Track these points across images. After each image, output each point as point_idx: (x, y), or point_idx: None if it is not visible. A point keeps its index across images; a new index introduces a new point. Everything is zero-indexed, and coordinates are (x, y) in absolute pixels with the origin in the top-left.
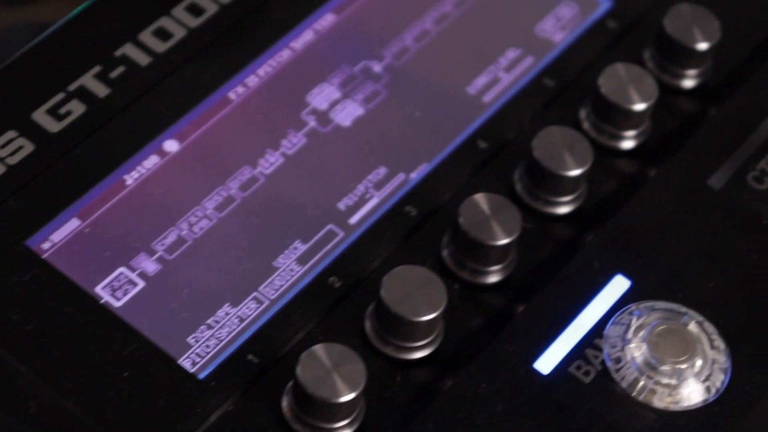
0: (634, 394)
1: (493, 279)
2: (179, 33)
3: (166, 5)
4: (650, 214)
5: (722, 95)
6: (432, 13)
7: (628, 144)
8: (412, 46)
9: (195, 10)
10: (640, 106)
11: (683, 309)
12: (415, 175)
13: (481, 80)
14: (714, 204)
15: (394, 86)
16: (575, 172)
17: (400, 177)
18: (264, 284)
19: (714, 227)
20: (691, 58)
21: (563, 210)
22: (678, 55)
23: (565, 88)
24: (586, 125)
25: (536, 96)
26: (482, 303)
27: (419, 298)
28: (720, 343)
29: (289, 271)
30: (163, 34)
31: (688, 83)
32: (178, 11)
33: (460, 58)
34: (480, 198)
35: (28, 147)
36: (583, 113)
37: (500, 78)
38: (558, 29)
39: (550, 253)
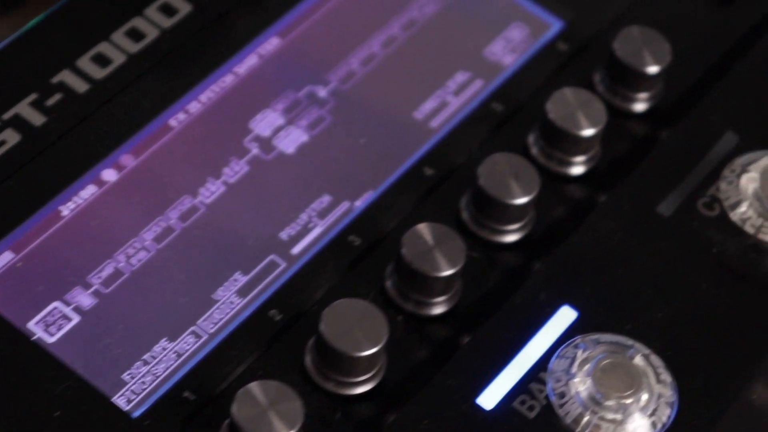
0: (578, 430)
1: (437, 310)
2: (118, 59)
3: (105, 30)
4: (599, 242)
5: (674, 118)
6: (379, 36)
7: (577, 170)
8: (359, 70)
9: (135, 35)
10: (588, 132)
11: (629, 341)
12: (360, 203)
13: (429, 105)
14: (663, 231)
15: (340, 112)
16: (521, 201)
17: (345, 205)
18: (203, 318)
19: (663, 255)
20: (641, 81)
21: (510, 238)
22: (628, 79)
23: (513, 113)
24: (534, 151)
25: (485, 121)
26: (426, 335)
27: (360, 333)
28: (666, 376)
29: (229, 304)
30: (101, 60)
31: (639, 107)
32: (118, 36)
33: (407, 82)
34: (423, 228)
35: None
36: (531, 138)
37: (448, 102)
38: (508, 52)
39: (497, 282)
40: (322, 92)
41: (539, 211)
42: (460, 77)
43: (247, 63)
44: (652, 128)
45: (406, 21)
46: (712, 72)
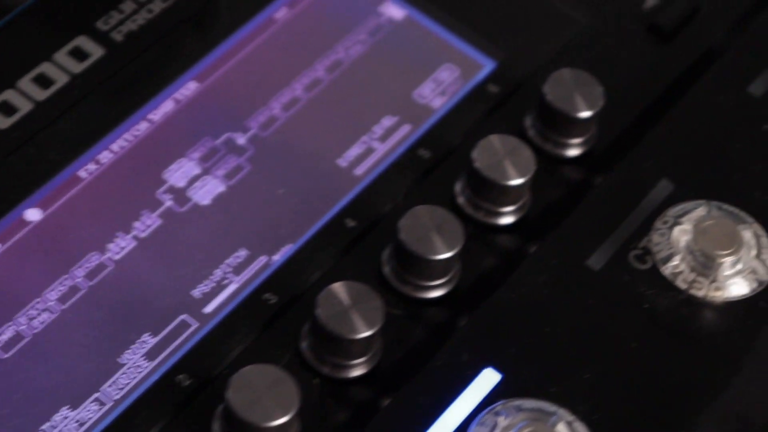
0: None
1: (355, 373)
2: (25, 107)
3: (11, 77)
4: (525, 298)
5: (608, 163)
6: (302, 79)
7: (506, 219)
8: (280, 116)
9: (43, 82)
10: (516, 181)
11: (553, 408)
12: (278, 258)
13: (354, 151)
14: (593, 286)
15: (259, 160)
16: (443, 256)
17: (262, 260)
18: (107, 383)
19: (592, 312)
20: (573, 126)
21: (434, 294)
22: (559, 124)
23: (441, 160)
24: (461, 200)
25: (411, 168)
26: (344, 399)
27: (269, 401)
28: None
29: (136, 368)
30: (6, 109)
31: (572, 152)
32: (24, 83)
33: (331, 127)
34: (339, 288)
35: None
36: (458, 187)
37: (374, 149)
38: (437, 94)
39: (419, 341)
40: (241, 139)
41: (465, 263)
42: (387, 122)
43: (162, 109)
44: (586, 174)
45: (331, 63)
46: (649, 114)
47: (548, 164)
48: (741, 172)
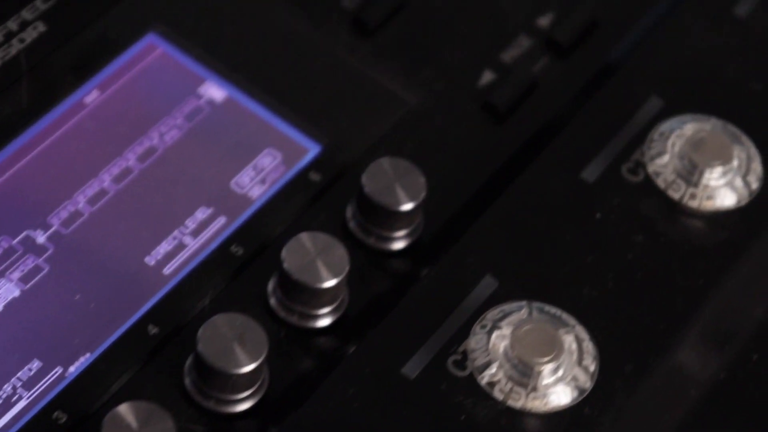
0: None
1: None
2: None
3: None
4: (335, 411)
5: (436, 254)
6: (111, 169)
7: (322, 322)
8: (85, 210)
9: None
10: (328, 283)
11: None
12: (74, 370)
13: (164, 248)
14: (408, 395)
15: (60, 260)
16: (247, 368)
17: (56, 372)
18: None
19: (408, 424)
20: (395, 219)
21: (240, 408)
22: (379, 217)
23: (253, 257)
24: (273, 301)
25: (223, 267)
26: None
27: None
28: None
29: None
30: None
31: (396, 245)
32: None
33: (141, 221)
34: (125, 409)
35: None
36: (270, 287)
37: (186, 244)
38: (257, 183)
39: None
40: (40, 238)
41: (273, 374)
42: (201, 214)
43: None
44: (412, 266)
45: (143, 150)
46: (481, 198)
47: (370, 258)
48: (570, 266)
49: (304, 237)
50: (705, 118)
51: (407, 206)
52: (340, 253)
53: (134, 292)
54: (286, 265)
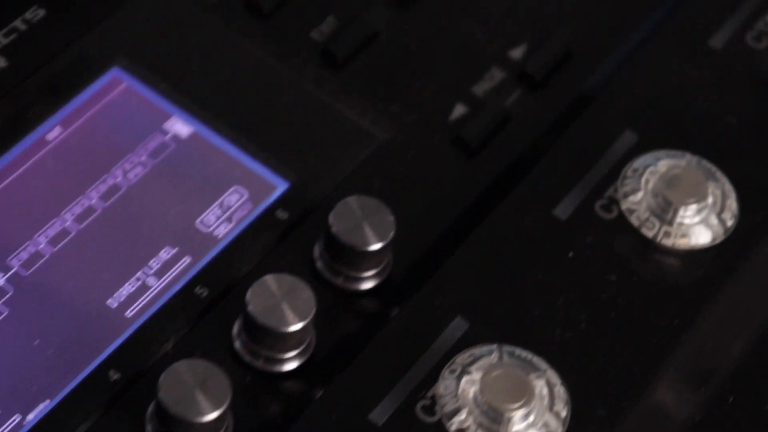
0: None
1: None
2: None
3: None
4: None
5: (403, 295)
6: (74, 208)
7: (288, 366)
8: (46, 251)
9: None
10: (294, 327)
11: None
12: (33, 417)
13: (127, 289)
14: None
15: (19, 303)
16: (210, 417)
17: (15, 419)
18: None
19: None
20: (363, 259)
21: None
22: (347, 257)
23: (218, 299)
24: (238, 345)
25: (187, 309)
26: None
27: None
28: None
29: None
30: None
31: (365, 285)
32: None
33: (103, 262)
34: None
35: None
36: (235, 330)
37: (149, 286)
38: (223, 221)
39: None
40: (0, 281)
41: (237, 421)
42: (166, 254)
43: None
44: (380, 307)
45: (107, 189)
46: (453, 234)
47: (338, 299)
48: (542, 307)
49: (269, 279)
50: (679, 154)
51: (375, 246)
52: (306, 295)
53: (96, 336)
54: (250, 309)
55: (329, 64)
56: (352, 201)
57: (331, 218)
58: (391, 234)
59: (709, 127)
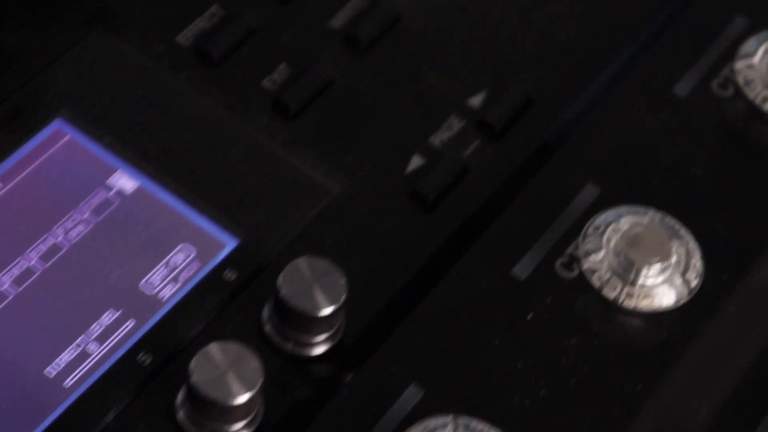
0: None
1: None
2: None
3: None
4: None
5: (356, 360)
6: (12, 270)
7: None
8: None
9: None
10: (240, 399)
11: None
12: None
13: (66, 357)
14: None
15: None
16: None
17: None
18: None
19: None
20: (313, 324)
21: None
22: (298, 322)
23: (162, 366)
24: (181, 416)
25: (129, 378)
26: None
27: None
28: None
29: None
30: None
31: (316, 350)
32: None
33: (42, 327)
34: None
35: None
36: (179, 400)
37: (90, 353)
38: (169, 282)
39: None
40: None
41: None
42: (108, 318)
43: None
44: (332, 373)
45: (47, 249)
46: (404, 299)
47: (288, 366)
48: (500, 372)
49: (214, 348)
50: (642, 210)
51: (326, 310)
52: (252, 365)
53: (32, 408)
54: (194, 379)
55: (281, 114)
56: (302, 263)
57: (280, 281)
58: (343, 297)
59: (673, 180)
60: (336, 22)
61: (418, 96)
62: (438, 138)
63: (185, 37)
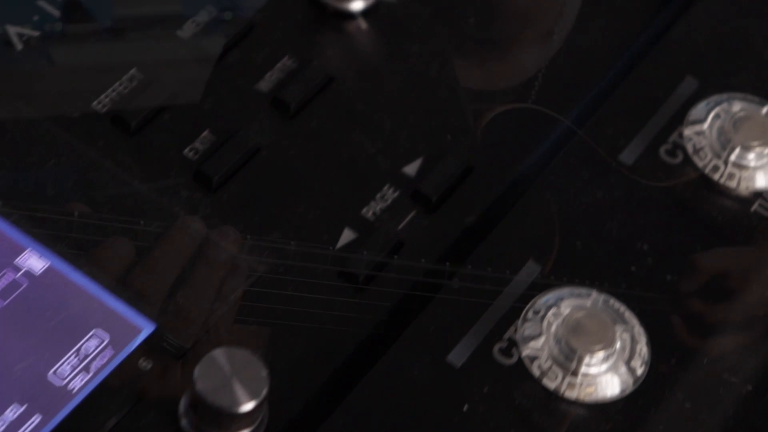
0: None
1: None
2: None
3: None
4: None
5: None
6: None
7: None
8: None
9: None
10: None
11: None
12: None
13: None
14: None
15: None
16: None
17: None
18: None
19: None
20: (232, 421)
21: None
22: (216, 418)
23: None
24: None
25: None
26: None
27: None
28: None
29: None
30: None
31: None
32: None
33: None
34: None
35: None
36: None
37: None
38: (80, 372)
39: None
40: None
41: None
42: (12, 413)
43: None
44: None
45: None
46: (331, 388)
47: None
48: None
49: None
50: (585, 292)
51: (247, 406)
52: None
53: None
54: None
55: (203, 185)
56: (220, 355)
57: (197, 374)
58: (264, 391)
59: (618, 257)
60: (264, 85)
61: (350, 165)
62: (371, 210)
63: (102, 103)
